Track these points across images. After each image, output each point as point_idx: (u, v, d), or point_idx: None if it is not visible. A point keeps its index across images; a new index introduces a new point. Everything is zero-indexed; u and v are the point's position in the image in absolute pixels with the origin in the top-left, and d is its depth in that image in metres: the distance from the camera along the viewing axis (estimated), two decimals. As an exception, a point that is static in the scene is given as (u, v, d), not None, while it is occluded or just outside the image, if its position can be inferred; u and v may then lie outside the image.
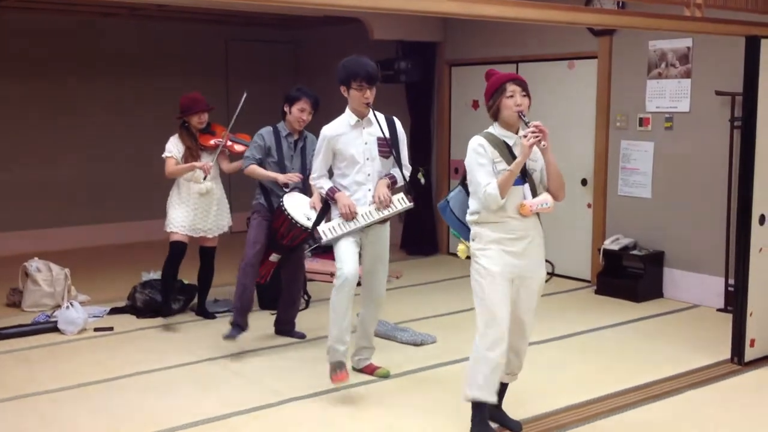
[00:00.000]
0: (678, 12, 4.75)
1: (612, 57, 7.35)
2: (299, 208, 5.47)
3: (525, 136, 3.86)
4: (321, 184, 4.92)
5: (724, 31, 4.98)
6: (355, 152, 4.79)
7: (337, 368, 4.79)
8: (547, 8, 4.16)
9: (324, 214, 5.01)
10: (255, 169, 5.64)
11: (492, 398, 4.05)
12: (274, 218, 5.56)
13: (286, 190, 5.56)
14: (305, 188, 5.64)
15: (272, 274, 5.85)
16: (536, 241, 4.05)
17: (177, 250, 6.21)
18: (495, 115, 4.03)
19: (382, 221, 4.86)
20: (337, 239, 4.78)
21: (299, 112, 5.64)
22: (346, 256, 4.76)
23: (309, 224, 5.39)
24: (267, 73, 10.24)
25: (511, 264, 3.98)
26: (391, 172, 4.90)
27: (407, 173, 4.94)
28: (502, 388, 4.24)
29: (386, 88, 8.80)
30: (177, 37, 9.82)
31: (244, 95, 5.83)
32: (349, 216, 4.74)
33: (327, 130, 4.87)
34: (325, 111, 10.04)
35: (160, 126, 6.33)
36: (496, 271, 3.96)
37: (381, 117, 4.89)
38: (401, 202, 4.85)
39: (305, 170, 5.68)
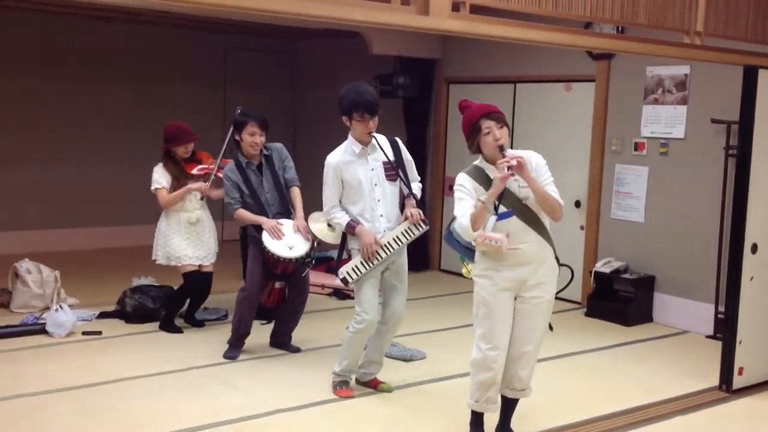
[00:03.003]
0: (678, 39, 4.79)
1: (609, 81, 7.40)
2: (281, 239, 5.48)
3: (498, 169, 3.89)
4: (336, 218, 4.84)
5: (722, 60, 5.01)
6: (363, 179, 4.79)
7: (343, 385, 5.00)
8: (550, 30, 4.18)
9: (342, 246, 4.96)
10: (242, 214, 5.61)
11: (488, 410, 4.22)
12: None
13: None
14: (286, 209, 5.66)
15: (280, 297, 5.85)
16: (540, 269, 4.04)
17: (192, 281, 6.18)
18: (477, 151, 4.08)
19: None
20: (361, 280, 4.78)
21: (250, 137, 5.59)
22: (369, 302, 4.81)
23: (292, 254, 5.44)
24: (266, 82, 10.26)
25: (510, 289, 4.03)
26: (413, 191, 4.94)
27: (417, 189, 4.97)
28: (508, 405, 4.28)
29: (384, 103, 8.77)
30: (176, 44, 9.82)
31: (238, 110, 5.81)
32: (373, 255, 4.73)
33: (333, 158, 4.83)
34: (326, 123, 10.10)
35: (156, 131, 6.32)
36: (490, 299, 4.02)
37: (383, 140, 4.90)
38: (419, 227, 4.88)
39: (279, 188, 5.66)
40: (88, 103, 9.40)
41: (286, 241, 5.48)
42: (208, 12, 7.15)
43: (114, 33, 9.34)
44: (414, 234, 4.87)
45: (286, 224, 5.56)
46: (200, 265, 6.21)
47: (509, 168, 3.83)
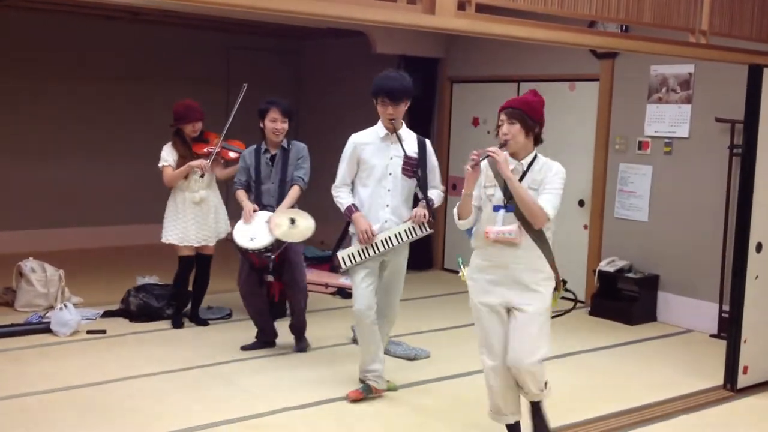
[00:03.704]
0: (682, 38, 4.79)
1: (613, 80, 7.39)
2: (248, 228, 5.50)
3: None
4: (341, 198, 4.84)
5: (727, 59, 5.01)
6: (378, 164, 4.77)
7: (360, 385, 4.93)
8: (555, 29, 4.18)
9: (345, 234, 4.93)
10: (238, 195, 5.68)
11: (501, 422, 4.17)
12: None
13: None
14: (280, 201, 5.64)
15: (280, 291, 5.89)
16: (529, 277, 3.97)
17: (186, 264, 6.29)
18: None
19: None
20: (355, 269, 4.79)
21: (271, 123, 5.61)
22: (360, 292, 4.80)
23: (249, 245, 5.43)
24: (269, 83, 10.20)
25: (494, 293, 4.01)
26: (429, 195, 4.84)
27: (436, 196, 4.87)
28: (531, 407, 4.23)
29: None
30: (179, 44, 9.82)
31: (244, 87, 5.90)
32: (368, 242, 4.72)
33: (355, 137, 4.85)
34: (329, 123, 10.09)
35: (158, 131, 6.34)
36: (477, 302, 4.06)
37: (413, 136, 4.87)
38: (423, 229, 4.82)
39: (284, 183, 5.62)
40: (92, 102, 9.40)
41: (251, 230, 5.49)
42: (212, 11, 7.16)
43: (117, 32, 9.34)
44: (416, 234, 4.82)
45: (262, 215, 5.55)
46: (201, 247, 6.27)
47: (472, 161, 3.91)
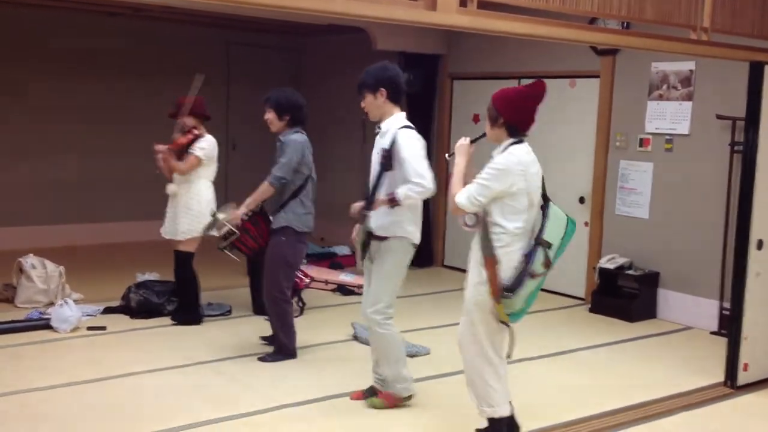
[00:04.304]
0: (684, 35, 4.78)
1: (614, 77, 7.39)
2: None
3: None
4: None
5: (728, 56, 5.00)
6: (372, 162, 4.75)
7: (364, 391, 4.88)
8: (557, 26, 4.17)
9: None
10: None
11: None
12: None
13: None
14: (269, 201, 5.61)
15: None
16: (473, 261, 4.01)
17: (175, 258, 6.36)
18: None
19: (378, 239, 4.60)
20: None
21: (265, 116, 5.57)
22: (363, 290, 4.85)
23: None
24: (269, 79, 10.20)
25: None
26: (398, 190, 4.48)
27: (404, 190, 4.45)
28: None
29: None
30: (179, 39, 9.81)
31: (199, 78, 5.98)
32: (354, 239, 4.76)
33: None
34: (329, 120, 10.07)
35: (158, 127, 6.33)
36: None
37: (395, 127, 4.63)
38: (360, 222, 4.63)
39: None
40: (91, 99, 9.39)
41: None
42: (213, 7, 7.14)
43: (118, 28, 9.32)
44: (361, 226, 4.62)
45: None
46: (171, 241, 6.34)
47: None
